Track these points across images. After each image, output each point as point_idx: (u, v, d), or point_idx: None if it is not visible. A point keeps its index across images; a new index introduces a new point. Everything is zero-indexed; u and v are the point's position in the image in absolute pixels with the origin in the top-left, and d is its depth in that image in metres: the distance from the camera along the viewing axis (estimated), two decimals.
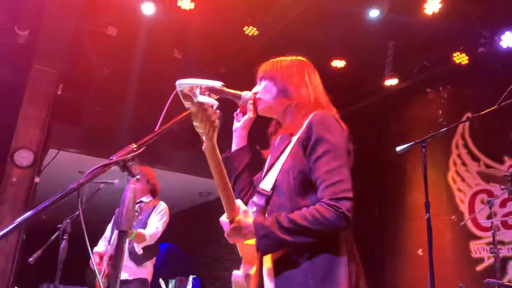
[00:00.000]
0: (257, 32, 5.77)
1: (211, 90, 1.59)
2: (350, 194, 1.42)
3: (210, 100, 1.26)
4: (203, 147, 1.32)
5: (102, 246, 4.12)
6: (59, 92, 6.41)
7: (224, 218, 1.47)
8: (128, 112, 6.63)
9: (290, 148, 1.57)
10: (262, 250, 1.42)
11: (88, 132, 6.30)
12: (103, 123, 6.42)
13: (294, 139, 1.57)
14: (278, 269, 1.47)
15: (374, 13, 5.44)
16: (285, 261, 1.45)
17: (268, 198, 1.56)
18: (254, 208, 1.52)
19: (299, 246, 1.43)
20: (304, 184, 1.50)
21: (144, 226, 3.91)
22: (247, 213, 1.46)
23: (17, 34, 5.70)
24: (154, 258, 4.08)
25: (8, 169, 5.76)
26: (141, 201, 4.14)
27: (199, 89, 1.27)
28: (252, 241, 1.49)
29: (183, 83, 1.28)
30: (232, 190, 1.44)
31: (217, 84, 1.29)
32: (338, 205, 1.39)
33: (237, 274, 1.53)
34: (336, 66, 6.55)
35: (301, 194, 1.50)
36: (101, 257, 3.95)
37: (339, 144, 1.50)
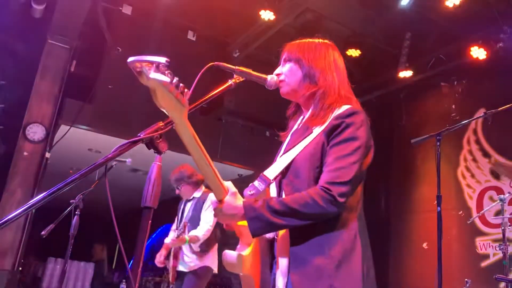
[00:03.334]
0: (273, 16, 5.71)
1: (235, 72, 1.57)
2: (348, 185, 1.41)
3: (163, 78, 1.16)
4: (173, 125, 1.28)
5: (171, 237, 4.23)
6: (72, 69, 6.42)
7: (213, 197, 1.48)
8: (140, 92, 6.62)
9: (313, 136, 1.54)
10: (252, 232, 1.42)
11: (99, 110, 6.30)
12: (115, 101, 6.42)
13: (319, 129, 1.54)
14: (296, 252, 1.47)
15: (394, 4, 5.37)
16: (304, 244, 1.45)
17: (269, 185, 1.56)
18: (252, 192, 1.50)
19: (319, 233, 1.43)
20: (321, 173, 1.49)
21: (199, 222, 4.07)
22: (236, 195, 1.47)
23: (33, 8, 5.68)
24: (215, 246, 4.24)
25: (20, 143, 5.80)
26: (193, 198, 4.25)
27: (155, 66, 1.18)
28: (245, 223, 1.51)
29: (133, 60, 1.20)
30: (215, 170, 1.41)
31: (162, 60, 1.18)
32: (330, 188, 1.40)
33: (230, 254, 1.55)
34: (351, 55, 6.48)
35: (317, 181, 1.49)
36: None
37: (362, 142, 1.49)
